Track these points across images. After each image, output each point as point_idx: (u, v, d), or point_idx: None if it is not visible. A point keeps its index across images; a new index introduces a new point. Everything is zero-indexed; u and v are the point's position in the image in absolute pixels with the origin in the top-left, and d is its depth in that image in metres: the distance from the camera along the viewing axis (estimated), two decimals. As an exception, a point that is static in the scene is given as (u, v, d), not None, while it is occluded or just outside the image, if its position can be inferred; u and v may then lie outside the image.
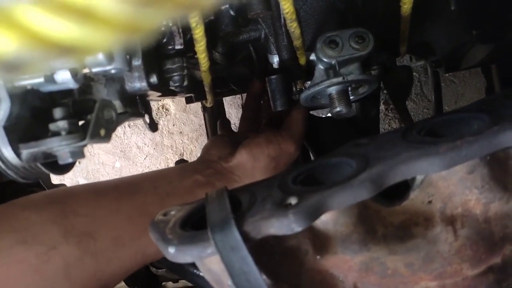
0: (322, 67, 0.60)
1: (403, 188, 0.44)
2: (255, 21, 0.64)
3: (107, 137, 0.52)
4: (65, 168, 0.55)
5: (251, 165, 0.67)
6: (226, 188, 0.46)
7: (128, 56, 0.53)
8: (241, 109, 1.55)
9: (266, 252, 0.44)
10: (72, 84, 0.48)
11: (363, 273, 0.45)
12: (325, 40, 0.56)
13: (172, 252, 0.40)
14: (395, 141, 0.52)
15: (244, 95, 1.19)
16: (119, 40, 0.19)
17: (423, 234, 0.44)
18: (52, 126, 0.49)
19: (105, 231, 0.54)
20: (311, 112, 0.79)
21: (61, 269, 0.50)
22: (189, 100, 0.85)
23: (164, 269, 0.86)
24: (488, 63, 0.93)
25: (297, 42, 0.59)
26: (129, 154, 1.98)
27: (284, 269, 0.45)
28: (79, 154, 0.49)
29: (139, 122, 1.76)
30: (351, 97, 0.63)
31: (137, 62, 0.55)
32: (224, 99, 1.23)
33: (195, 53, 0.59)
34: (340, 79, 0.57)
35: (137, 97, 0.62)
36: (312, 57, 0.62)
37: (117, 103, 0.56)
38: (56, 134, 0.48)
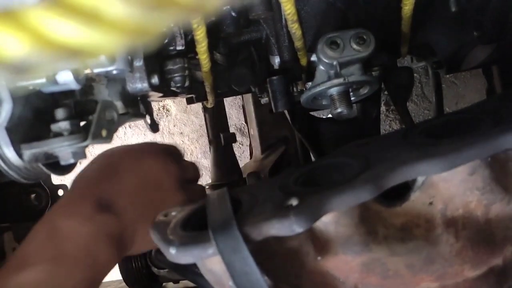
0: (323, 68, 0.60)
1: (404, 189, 0.44)
2: (256, 22, 0.64)
3: (108, 138, 0.52)
4: (66, 169, 0.55)
5: None
6: (227, 189, 0.46)
7: (129, 57, 0.53)
8: (241, 110, 1.55)
9: (267, 253, 0.44)
10: (74, 85, 0.48)
11: (364, 274, 0.45)
12: (326, 41, 0.56)
13: (173, 253, 0.40)
14: (396, 142, 0.52)
15: (245, 95, 1.20)
16: (126, 43, 0.19)
17: (424, 235, 0.44)
18: (54, 127, 0.49)
19: None
20: (312, 113, 0.79)
21: None
22: (190, 101, 0.85)
23: (166, 270, 0.86)
24: (489, 64, 0.93)
25: (298, 43, 0.59)
26: (130, 155, 1.98)
27: (285, 270, 0.45)
28: (80, 154, 0.49)
29: (140, 122, 1.76)
30: (352, 98, 0.63)
31: (138, 63, 0.55)
32: (225, 99, 1.23)
33: (196, 54, 0.59)
34: (341, 80, 0.57)
35: (138, 98, 0.62)
36: (313, 58, 0.62)
37: (118, 104, 0.56)
38: (58, 134, 0.48)
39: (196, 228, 0.42)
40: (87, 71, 0.50)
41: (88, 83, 0.56)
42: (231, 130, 1.34)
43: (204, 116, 1.22)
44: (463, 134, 0.44)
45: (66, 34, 0.18)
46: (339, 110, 0.59)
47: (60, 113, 0.49)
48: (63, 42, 0.18)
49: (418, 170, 0.41)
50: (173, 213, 0.46)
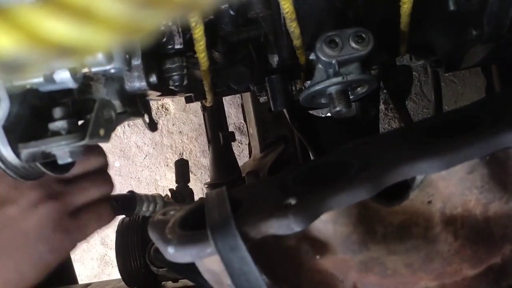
0: (322, 67, 0.59)
1: (403, 188, 0.44)
2: (254, 21, 0.64)
3: (106, 137, 0.52)
4: (64, 168, 0.55)
5: None
6: (225, 188, 0.46)
7: (127, 56, 0.53)
8: (240, 109, 1.55)
9: (266, 252, 0.44)
10: (71, 84, 0.47)
11: (363, 273, 0.45)
12: (325, 40, 0.56)
13: (171, 252, 0.40)
14: (394, 141, 0.52)
15: (244, 94, 1.20)
16: (119, 41, 0.19)
17: (423, 234, 0.44)
18: (52, 126, 0.49)
19: None
20: (311, 112, 0.79)
21: None
22: (188, 100, 0.85)
23: (165, 269, 0.86)
24: (488, 63, 0.93)
25: (296, 42, 0.59)
26: (129, 154, 1.98)
27: (283, 269, 0.45)
28: (78, 153, 0.49)
29: (138, 121, 1.76)
30: (351, 97, 0.63)
31: (136, 61, 0.55)
32: (223, 98, 1.23)
33: (194, 52, 0.59)
34: (339, 78, 0.57)
35: (137, 97, 0.62)
36: (312, 56, 0.62)
37: (116, 103, 0.56)
38: (56, 133, 0.48)
39: (194, 227, 0.42)
40: (85, 69, 0.50)
41: (86, 82, 0.56)
42: (230, 129, 1.35)
43: (203, 115, 1.22)
44: (462, 133, 0.44)
45: (57, 32, 0.18)
46: (338, 108, 0.59)
47: (57, 112, 0.49)
48: (54, 39, 0.18)
49: (417, 169, 0.41)
50: (172, 212, 0.46)
